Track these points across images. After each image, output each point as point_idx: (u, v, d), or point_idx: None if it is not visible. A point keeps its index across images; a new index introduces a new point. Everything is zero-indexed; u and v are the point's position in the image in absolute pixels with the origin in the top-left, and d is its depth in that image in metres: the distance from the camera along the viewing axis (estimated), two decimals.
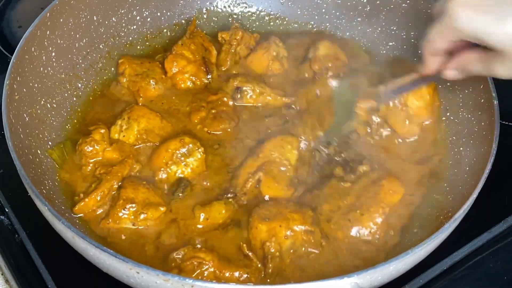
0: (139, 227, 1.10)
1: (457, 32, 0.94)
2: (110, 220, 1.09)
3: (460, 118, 1.24)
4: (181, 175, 1.17)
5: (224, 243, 1.09)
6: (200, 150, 1.18)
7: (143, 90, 1.30)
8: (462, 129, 1.23)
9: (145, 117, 1.23)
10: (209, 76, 1.36)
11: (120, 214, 1.09)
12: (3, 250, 1.14)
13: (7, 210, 1.18)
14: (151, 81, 1.31)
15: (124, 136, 1.22)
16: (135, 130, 1.22)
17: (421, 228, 1.13)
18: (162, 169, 1.17)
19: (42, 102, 1.21)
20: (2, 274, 1.16)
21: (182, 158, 1.17)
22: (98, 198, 1.11)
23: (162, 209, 1.11)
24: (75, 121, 1.28)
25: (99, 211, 1.12)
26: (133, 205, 1.09)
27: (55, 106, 1.25)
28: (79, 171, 1.17)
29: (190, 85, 1.34)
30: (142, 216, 1.09)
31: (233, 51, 1.40)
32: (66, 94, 1.29)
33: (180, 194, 1.15)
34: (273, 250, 1.06)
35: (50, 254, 1.11)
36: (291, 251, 1.07)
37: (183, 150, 1.17)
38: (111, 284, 1.00)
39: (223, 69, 1.39)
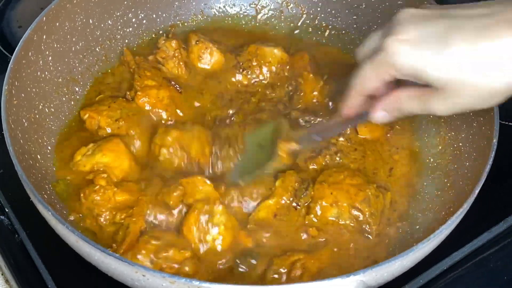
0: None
1: (394, 69, 0.91)
2: (129, 253, 1.03)
3: (458, 114, 1.24)
4: (221, 237, 1.09)
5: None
6: (217, 204, 1.10)
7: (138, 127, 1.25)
8: (461, 124, 1.23)
9: (114, 152, 1.17)
10: (180, 90, 1.33)
11: (142, 247, 1.03)
12: (3, 250, 1.13)
13: (7, 210, 1.18)
14: (136, 119, 1.25)
15: (82, 161, 1.16)
16: (94, 160, 1.16)
17: (423, 226, 1.14)
18: (202, 244, 1.09)
19: (40, 106, 1.21)
20: (2, 274, 1.16)
21: (209, 224, 1.09)
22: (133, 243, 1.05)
23: (187, 254, 1.04)
24: (73, 124, 1.28)
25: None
26: (158, 242, 1.04)
27: (53, 110, 1.24)
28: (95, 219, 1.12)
29: (172, 111, 1.30)
30: (163, 254, 1.03)
31: (182, 63, 1.37)
32: (64, 98, 1.28)
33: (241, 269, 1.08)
34: (318, 213, 1.13)
35: (50, 254, 1.11)
36: (332, 219, 1.12)
37: (204, 217, 1.09)
38: (111, 284, 0.99)
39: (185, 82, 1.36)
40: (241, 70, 1.38)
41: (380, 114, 1.01)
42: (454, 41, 0.86)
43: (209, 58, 1.39)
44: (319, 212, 1.13)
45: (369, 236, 1.12)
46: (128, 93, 1.30)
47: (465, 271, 1.13)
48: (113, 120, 1.24)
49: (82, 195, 1.12)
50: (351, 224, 1.13)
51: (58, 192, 1.14)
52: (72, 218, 1.11)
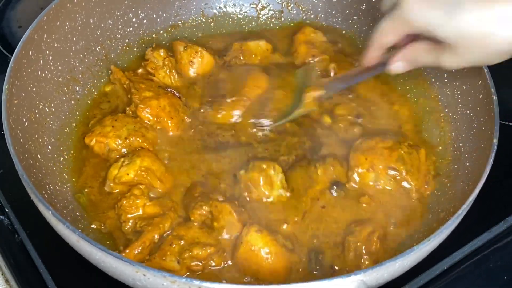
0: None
1: (409, 25, 0.99)
2: (156, 255, 1.05)
3: (458, 114, 1.25)
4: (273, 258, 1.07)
5: None
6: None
7: (147, 138, 1.24)
8: (461, 125, 1.23)
9: (150, 158, 1.18)
10: (178, 95, 1.31)
11: (167, 249, 1.05)
12: (3, 250, 1.14)
13: (7, 210, 1.18)
14: (143, 132, 1.24)
15: (123, 170, 1.15)
16: (137, 165, 1.15)
17: (423, 225, 1.14)
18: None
19: (41, 106, 1.21)
20: (2, 274, 1.17)
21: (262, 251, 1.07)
22: (138, 250, 1.05)
23: (209, 250, 1.06)
24: (74, 124, 1.28)
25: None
26: (182, 241, 1.06)
27: (53, 110, 1.24)
28: (118, 224, 1.12)
29: (177, 118, 1.28)
30: (187, 254, 1.05)
31: (173, 71, 1.36)
32: (64, 98, 1.28)
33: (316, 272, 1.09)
34: (357, 179, 1.19)
35: (50, 254, 1.11)
36: (371, 183, 1.18)
37: (254, 247, 1.07)
38: (111, 284, 1.00)
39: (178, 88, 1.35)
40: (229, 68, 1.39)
41: (397, 65, 1.09)
42: (465, 2, 0.92)
43: (200, 61, 1.38)
44: (357, 179, 1.18)
45: (409, 194, 1.17)
46: (127, 108, 1.28)
47: (465, 271, 1.13)
48: (122, 139, 1.22)
49: (117, 204, 1.13)
50: (390, 184, 1.17)
51: (81, 203, 1.15)
52: (94, 226, 1.12)
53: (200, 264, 1.06)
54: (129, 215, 1.12)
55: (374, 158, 1.18)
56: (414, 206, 1.17)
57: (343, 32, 1.49)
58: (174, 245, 1.06)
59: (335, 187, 1.18)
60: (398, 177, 1.17)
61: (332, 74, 1.35)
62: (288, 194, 1.15)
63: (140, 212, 1.12)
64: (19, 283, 1.09)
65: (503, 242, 1.17)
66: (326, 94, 1.25)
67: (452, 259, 1.13)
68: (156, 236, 1.08)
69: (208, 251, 1.06)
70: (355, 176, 1.19)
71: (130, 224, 1.11)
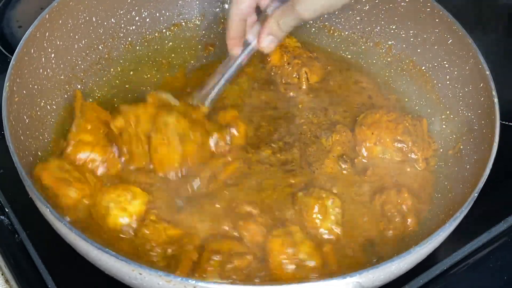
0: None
1: None
2: (196, 275, 1.01)
3: (459, 116, 1.24)
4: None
5: None
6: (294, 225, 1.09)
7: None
8: (462, 127, 1.23)
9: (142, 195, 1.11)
10: (119, 156, 1.16)
11: (206, 266, 1.01)
12: (3, 250, 1.14)
13: (7, 210, 1.18)
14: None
15: (128, 210, 1.08)
16: (138, 207, 1.09)
17: (422, 226, 1.14)
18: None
19: (42, 103, 1.21)
20: (2, 274, 1.17)
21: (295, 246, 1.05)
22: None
23: (249, 257, 1.03)
24: None
25: None
26: (218, 256, 1.02)
27: (55, 107, 1.24)
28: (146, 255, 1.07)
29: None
30: (228, 266, 1.01)
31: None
32: (66, 96, 1.28)
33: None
34: (365, 154, 1.23)
35: (50, 254, 1.11)
36: (380, 156, 1.22)
37: (287, 239, 1.06)
38: (111, 284, 1.00)
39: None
40: None
41: (265, 40, 1.14)
42: None
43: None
44: (365, 154, 1.22)
45: (416, 164, 1.21)
46: (65, 142, 1.16)
47: (465, 271, 1.13)
48: (59, 177, 1.09)
49: (135, 229, 1.08)
50: (398, 156, 1.21)
51: None
52: None
53: (243, 274, 1.02)
54: (153, 244, 1.06)
55: (380, 132, 1.21)
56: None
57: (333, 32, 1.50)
58: (212, 261, 1.02)
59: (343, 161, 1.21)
60: (405, 149, 1.20)
61: (304, 78, 1.36)
62: (339, 230, 1.11)
63: (164, 237, 1.07)
64: (19, 283, 1.09)
65: (503, 242, 1.18)
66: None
67: (452, 259, 1.13)
68: (196, 255, 1.04)
69: (248, 258, 1.03)
70: (363, 150, 1.22)
71: (158, 251, 1.06)
